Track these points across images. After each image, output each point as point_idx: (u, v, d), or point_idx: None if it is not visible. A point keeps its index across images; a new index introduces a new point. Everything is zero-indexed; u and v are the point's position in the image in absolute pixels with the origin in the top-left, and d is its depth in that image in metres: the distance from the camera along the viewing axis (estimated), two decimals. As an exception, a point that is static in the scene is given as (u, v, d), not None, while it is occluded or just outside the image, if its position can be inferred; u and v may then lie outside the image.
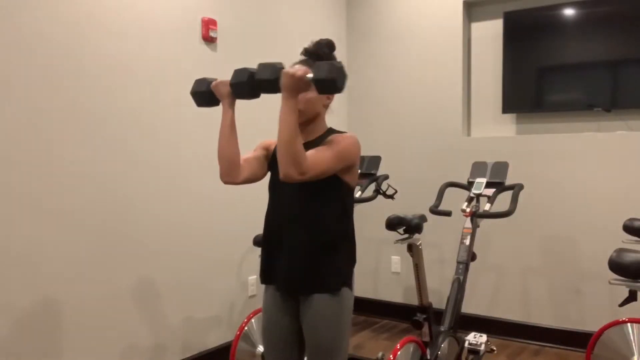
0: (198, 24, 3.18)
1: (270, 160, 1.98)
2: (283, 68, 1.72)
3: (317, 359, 1.82)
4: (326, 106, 1.90)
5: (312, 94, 1.82)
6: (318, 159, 1.71)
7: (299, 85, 1.65)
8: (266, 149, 2.00)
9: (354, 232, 1.91)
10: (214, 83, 1.88)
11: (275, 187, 1.90)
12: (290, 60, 2.06)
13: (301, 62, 1.86)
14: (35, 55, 2.42)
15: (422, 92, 4.15)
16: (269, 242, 1.90)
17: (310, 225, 1.81)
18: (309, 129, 1.88)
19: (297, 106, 1.67)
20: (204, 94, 1.90)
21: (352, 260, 1.89)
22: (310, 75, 1.66)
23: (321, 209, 1.81)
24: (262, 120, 3.59)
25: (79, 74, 2.59)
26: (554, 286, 3.67)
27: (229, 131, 1.85)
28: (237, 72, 1.82)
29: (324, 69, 1.65)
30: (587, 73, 3.56)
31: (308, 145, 1.86)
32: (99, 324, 2.69)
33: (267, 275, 1.92)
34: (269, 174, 1.99)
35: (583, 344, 3.46)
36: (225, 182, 1.87)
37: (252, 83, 1.78)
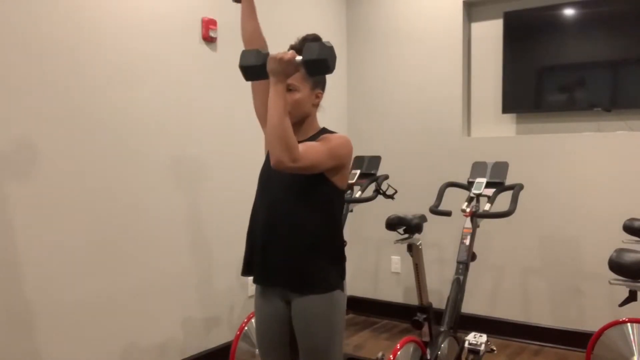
0: (198, 24, 3.18)
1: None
2: (268, 53, 1.72)
3: None
4: (316, 105, 1.88)
5: (299, 94, 1.81)
6: (310, 149, 1.70)
7: (287, 69, 1.65)
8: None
9: (342, 234, 1.89)
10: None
11: (266, 180, 1.88)
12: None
13: None
14: (35, 55, 2.42)
15: (422, 92, 4.15)
16: (254, 237, 1.88)
17: (297, 226, 1.79)
18: (300, 129, 1.87)
19: (285, 90, 1.67)
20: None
21: (340, 261, 1.87)
22: (299, 57, 1.65)
23: (308, 210, 1.80)
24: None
25: (79, 73, 2.59)
26: (554, 286, 3.67)
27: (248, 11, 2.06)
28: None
29: (315, 50, 1.63)
30: (587, 73, 3.56)
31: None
32: (99, 323, 2.69)
33: (248, 268, 1.91)
34: (256, 173, 1.96)
35: (583, 344, 3.45)
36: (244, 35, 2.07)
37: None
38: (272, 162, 1.64)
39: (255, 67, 1.72)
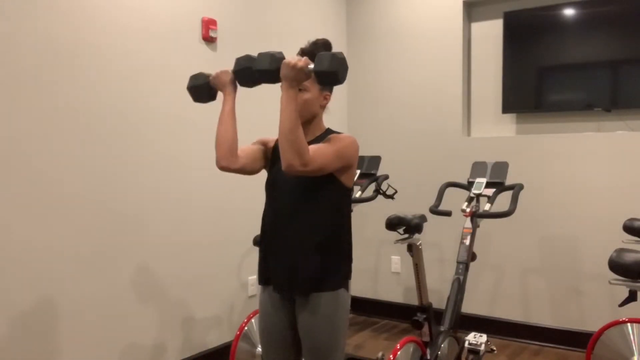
0: (198, 24, 3.18)
1: (270, 158, 1.98)
2: (283, 58, 1.74)
3: None
4: (323, 106, 1.90)
5: (308, 95, 1.82)
6: (319, 151, 1.72)
7: (299, 75, 1.66)
8: (264, 144, 2.00)
9: (350, 234, 1.90)
10: (214, 73, 1.89)
11: (273, 187, 1.90)
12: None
13: None
14: (35, 55, 2.42)
15: (422, 92, 4.15)
16: (266, 243, 1.90)
17: (306, 226, 1.80)
18: (307, 129, 1.88)
19: (297, 96, 1.69)
20: (202, 87, 1.92)
21: (348, 261, 1.88)
22: (311, 66, 1.67)
23: (318, 210, 1.81)
24: (260, 116, 3.59)
25: (78, 74, 2.59)
26: (554, 286, 3.67)
27: (229, 117, 1.86)
28: (240, 60, 1.85)
29: (326, 61, 1.66)
30: (587, 73, 3.56)
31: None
32: (99, 323, 2.69)
33: (265, 276, 1.92)
34: (265, 173, 1.98)
35: (583, 344, 3.46)
36: (221, 168, 1.86)
37: (253, 70, 1.81)
38: (283, 166, 1.66)
39: (269, 72, 1.76)
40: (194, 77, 1.95)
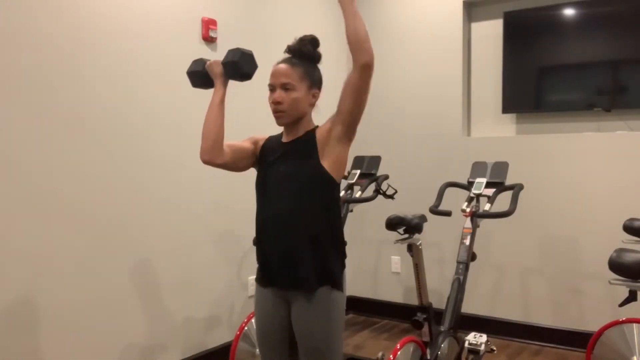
0: (198, 24, 3.18)
1: (259, 157, 1.97)
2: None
3: None
4: (312, 105, 1.90)
5: (296, 93, 1.82)
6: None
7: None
8: (254, 143, 1.99)
9: (342, 233, 1.89)
10: (209, 62, 1.90)
11: (264, 187, 1.89)
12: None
13: (284, 61, 1.85)
14: (35, 55, 2.42)
15: (422, 92, 4.15)
16: (262, 244, 1.89)
17: (299, 225, 1.79)
18: (297, 128, 1.88)
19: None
20: (199, 74, 1.94)
21: (342, 261, 1.87)
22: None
23: (310, 209, 1.80)
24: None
25: (79, 73, 2.59)
26: (554, 286, 3.67)
27: (217, 109, 1.87)
28: (230, 52, 1.87)
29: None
30: (587, 73, 3.56)
31: (295, 143, 1.86)
32: (98, 323, 2.69)
33: (261, 276, 1.92)
34: (254, 173, 1.97)
35: (583, 344, 3.45)
36: (205, 161, 1.86)
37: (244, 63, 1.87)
38: (369, 58, 1.74)
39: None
40: (194, 62, 1.96)
